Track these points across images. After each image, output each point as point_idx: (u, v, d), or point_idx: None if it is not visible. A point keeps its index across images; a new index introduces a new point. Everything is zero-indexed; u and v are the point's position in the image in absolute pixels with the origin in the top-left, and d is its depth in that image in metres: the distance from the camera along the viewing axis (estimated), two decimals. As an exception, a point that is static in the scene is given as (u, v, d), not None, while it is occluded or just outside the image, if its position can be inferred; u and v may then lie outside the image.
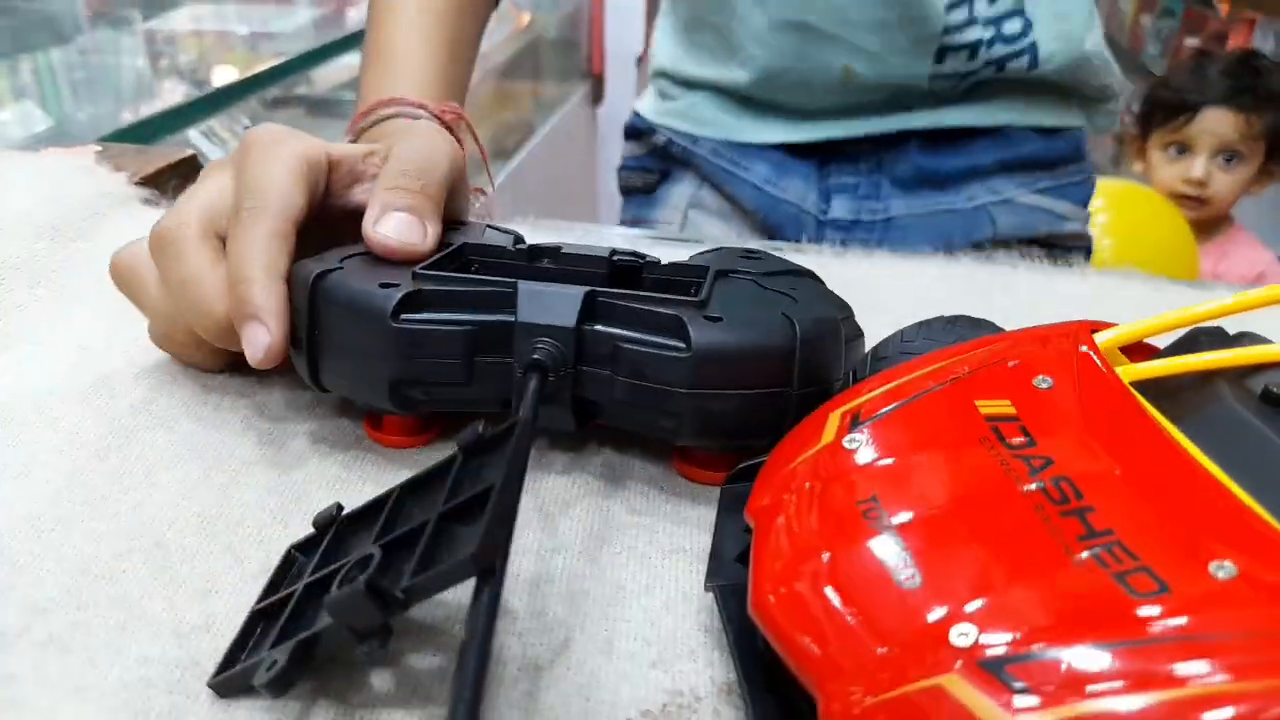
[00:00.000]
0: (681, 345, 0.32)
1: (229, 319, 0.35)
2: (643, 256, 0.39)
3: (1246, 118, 1.61)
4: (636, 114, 0.88)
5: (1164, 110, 1.67)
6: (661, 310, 0.33)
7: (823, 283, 0.40)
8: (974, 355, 0.30)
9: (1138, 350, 0.31)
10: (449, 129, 0.49)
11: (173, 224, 0.37)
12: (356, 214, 0.38)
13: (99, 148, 0.60)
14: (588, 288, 0.34)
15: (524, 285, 0.34)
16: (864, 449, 0.28)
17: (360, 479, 0.35)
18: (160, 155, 0.60)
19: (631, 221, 0.89)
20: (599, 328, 0.33)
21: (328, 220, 0.39)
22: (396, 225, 0.37)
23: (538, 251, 0.39)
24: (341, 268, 0.35)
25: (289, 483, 0.35)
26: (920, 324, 0.34)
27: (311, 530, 0.30)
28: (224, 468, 0.35)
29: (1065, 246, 0.80)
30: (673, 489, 0.35)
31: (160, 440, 0.37)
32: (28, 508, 0.33)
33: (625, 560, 0.32)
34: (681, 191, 0.85)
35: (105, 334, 0.43)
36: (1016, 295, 0.51)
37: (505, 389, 0.34)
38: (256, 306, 0.34)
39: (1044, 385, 0.28)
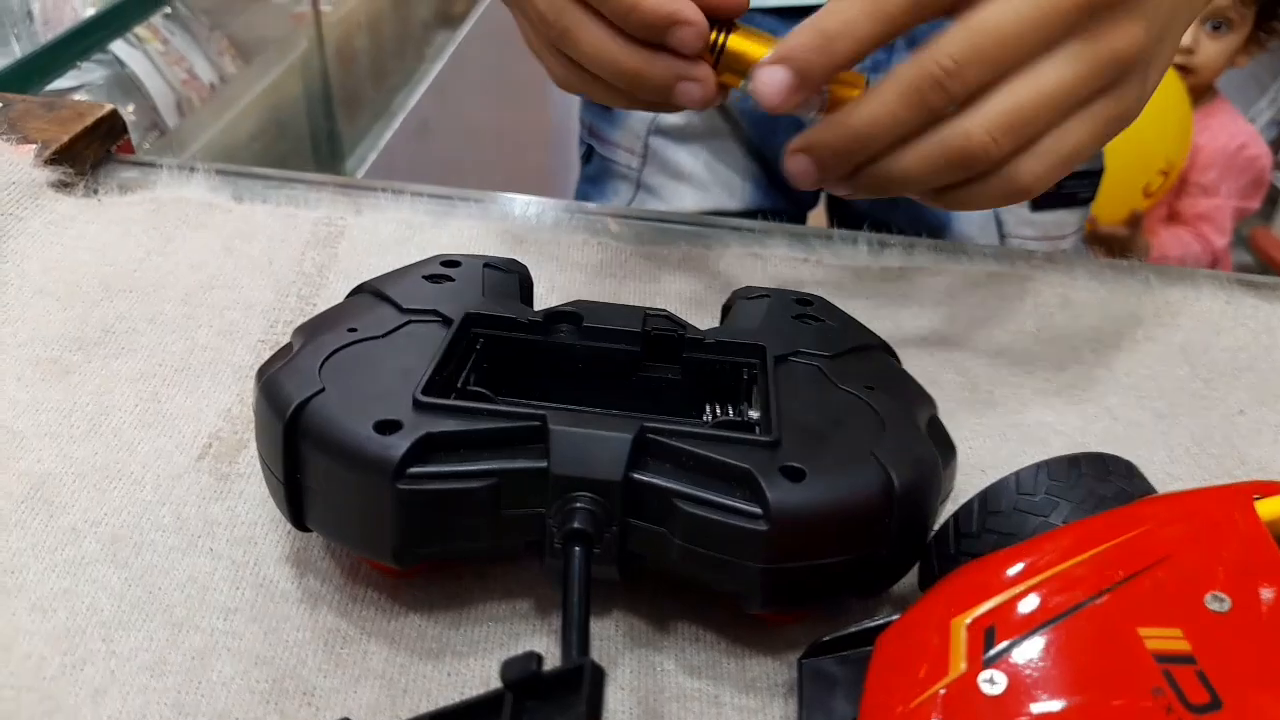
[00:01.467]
0: (756, 510, 0.26)
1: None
2: (680, 326, 0.33)
3: None
4: None
5: None
6: (729, 460, 0.27)
7: (896, 357, 0.34)
8: (1124, 547, 0.25)
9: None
10: None
11: None
12: None
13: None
14: (635, 425, 0.27)
15: (557, 425, 0.27)
16: (1009, 697, 0.23)
17: (361, 632, 0.30)
18: (73, 114, 0.50)
19: (585, 155, 0.78)
20: (652, 479, 0.27)
21: None
22: None
23: (555, 319, 0.33)
24: (323, 389, 0.28)
25: (279, 644, 0.29)
26: (1038, 466, 0.28)
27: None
28: (196, 623, 0.29)
29: None
30: (734, 634, 0.30)
31: (114, 581, 0.30)
32: (-42, 700, 0.27)
33: (690, 753, 0.27)
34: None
35: (33, 404, 0.36)
36: (1075, 310, 0.45)
37: (532, 536, 0.28)
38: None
39: (1219, 607, 0.23)
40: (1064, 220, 0.69)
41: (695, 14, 0.34)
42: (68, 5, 1.12)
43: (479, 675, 0.29)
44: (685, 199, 0.72)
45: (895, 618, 0.27)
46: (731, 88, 0.36)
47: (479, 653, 0.29)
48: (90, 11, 1.04)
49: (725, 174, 0.72)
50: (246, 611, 0.30)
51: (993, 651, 0.23)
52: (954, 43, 0.31)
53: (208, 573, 0.31)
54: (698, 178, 0.72)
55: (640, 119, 0.73)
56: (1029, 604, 0.24)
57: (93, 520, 0.32)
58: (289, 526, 0.32)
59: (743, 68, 0.35)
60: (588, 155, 0.78)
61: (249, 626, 0.29)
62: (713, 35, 0.35)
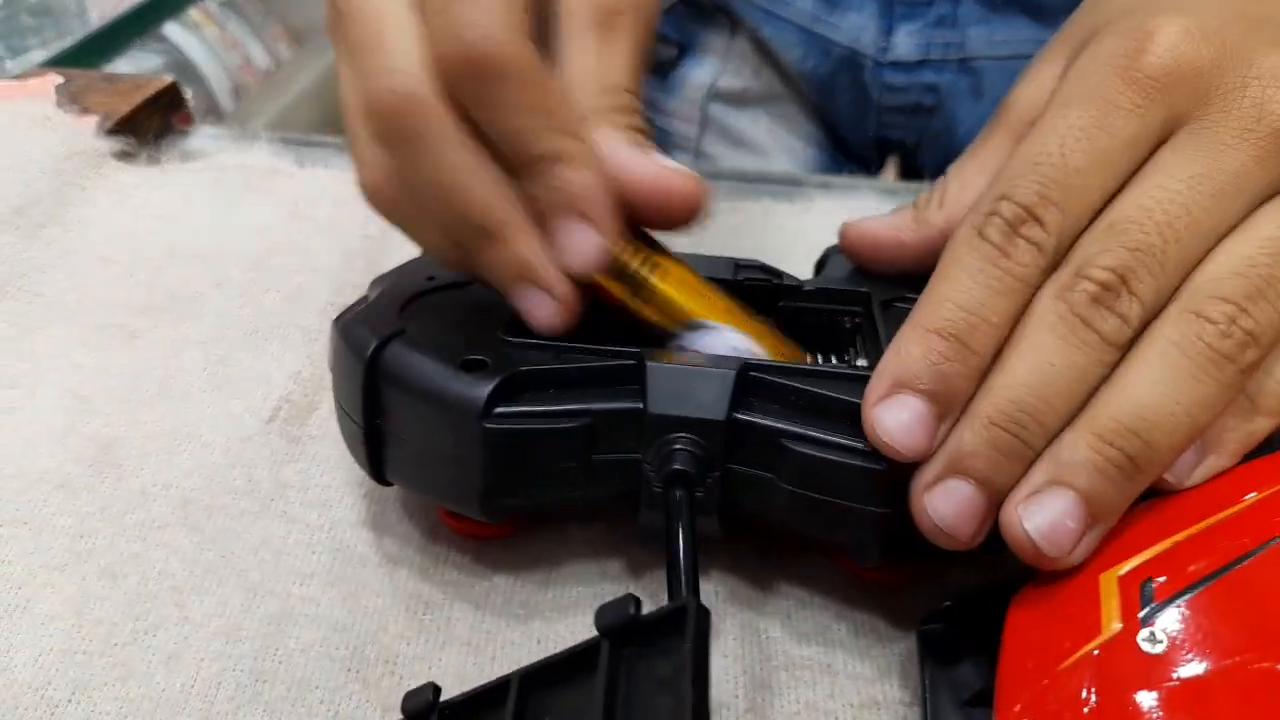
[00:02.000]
0: (874, 449, 0.24)
1: (511, 243, 0.24)
2: (775, 275, 0.31)
3: None
4: None
5: None
6: (843, 396, 0.25)
7: None
8: (1294, 488, 0.22)
9: None
10: None
11: (406, 95, 0.23)
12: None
13: (59, 78, 0.49)
14: (737, 362, 0.25)
15: (654, 362, 0.25)
16: (1174, 654, 0.20)
17: (444, 597, 0.28)
18: (132, 86, 0.49)
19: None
20: (757, 419, 0.25)
21: None
22: (668, 168, 0.25)
23: None
24: (404, 331, 0.26)
25: (358, 610, 0.27)
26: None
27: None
28: (271, 589, 0.28)
29: None
30: (845, 596, 0.28)
31: (186, 545, 0.29)
32: (30, 665, 0.25)
33: (804, 724, 0.25)
34: (702, 75, 0.71)
35: (98, 370, 0.35)
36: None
37: (626, 485, 0.26)
38: (586, 200, 0.23)
39: None
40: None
41: (600, 207, 0.24)
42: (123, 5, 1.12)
43: (568, 639, 0.27)
44: (746, 166, 0.70)
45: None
46: (647, 322, 0.27)
47: (568, 616, 0.27)
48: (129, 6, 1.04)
49: (787, 139, 0.70)
50: (323, 576, 0.28)
51: (1151, 607, 0.21)
52: (1103, 245, 0.23)
53: (281, 536, 0.29)
54: (759, 144, 0.70)
55: (696, 85, 0.70)
56: (1189, 555, 0.22)
57: (163, 483, 0.31)
58: (364, 489, 0.31)
59: (669, 317, 0.27)
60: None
61: (326, 592, 0.28)
62: (632, 259, 0.26)
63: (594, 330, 0.27)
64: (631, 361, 0.25)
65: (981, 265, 0.23)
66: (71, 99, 0.47)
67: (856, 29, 0.64)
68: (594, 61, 0.25)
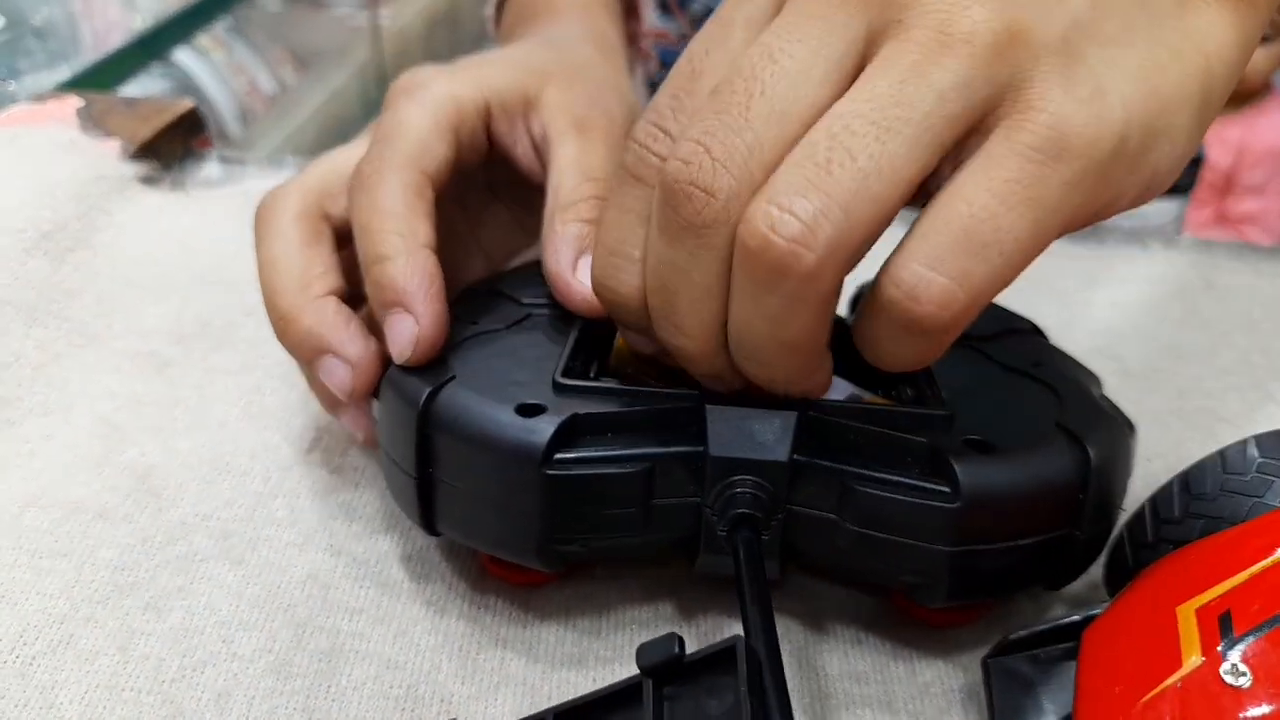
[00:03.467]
0: (945, 489, 0.24)
1: (298, 320, 0.28)
2: None
3: None
4: None
5: None
6: (906, 435, 0.24)
7: (1046, 337, 0.31)
8: (1372, 525, 0.22)
9: None
10: None
11: (274, 193, 0.30)
12: (518, 178, 0.31)
13: (80, 102, 0.49)
14: (796, 404, 0.25)
15: (713, 404, 0.25)
16: (1257, 688, 0.20)
17: (494, 640, 0.27)
18: (153, 110, 0.49)
19: None
20: (820, 461, 0.25)
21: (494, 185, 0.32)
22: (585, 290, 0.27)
23: None
24: (454, 377, 0.26)
25: (410, 647, 0.27)
26: (1245, 443, 0.25)
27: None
28: (320, 625, 0.27)
29: None
30: (899, 635, 0.28)
31: (230, 580, 0.28)
32: (77, 703, 0.25)
33: (867, 763, 0.25)
34: None
35: (133, 398, 0.34)
36: (1220, 293, 0.42)
37: (684, 530, 0.26)
38: (398, 290, 0.26)
39: None
40: (1163, 209, 0.66)
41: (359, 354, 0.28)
42: (115, 31, 1.12)
43: (626, 679, 0.26)
44: None
45: (1098, 610, 0.24)
46: None
47: (624, 658, 0.27)
48: (136, 31, 1.04)
49: None
50: (372, 612, 0.28)
51: (1232, 639, 0.21)
52: (694, 120, 0.22)
53: (328, 570, 0.29)
54: None
55: None
56: (1268, 586, 0.21)
57: (203, 514, 0.30)
58: (408, 522, 0.30)
59: None
60: None
61: (375, 629, 0.27)
62: None
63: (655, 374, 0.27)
64: (690, 404, 0.25)
65: (618, 196, 0.24)
66: (94, 122, 0.47)
67: None
68: (575, 152, 0.29)
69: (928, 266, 0.20)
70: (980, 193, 0.20)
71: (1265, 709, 0.20)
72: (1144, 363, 0.38)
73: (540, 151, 0.31)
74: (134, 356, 0.36)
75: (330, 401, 0.30)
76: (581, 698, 0.22)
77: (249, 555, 0.29)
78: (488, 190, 0.33)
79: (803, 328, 0.21)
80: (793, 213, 0.20)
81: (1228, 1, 0.22)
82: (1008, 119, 0.20)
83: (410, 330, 0.26)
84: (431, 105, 0.29)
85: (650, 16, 0.75)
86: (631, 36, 0.44)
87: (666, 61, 0.73)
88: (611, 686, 0.22)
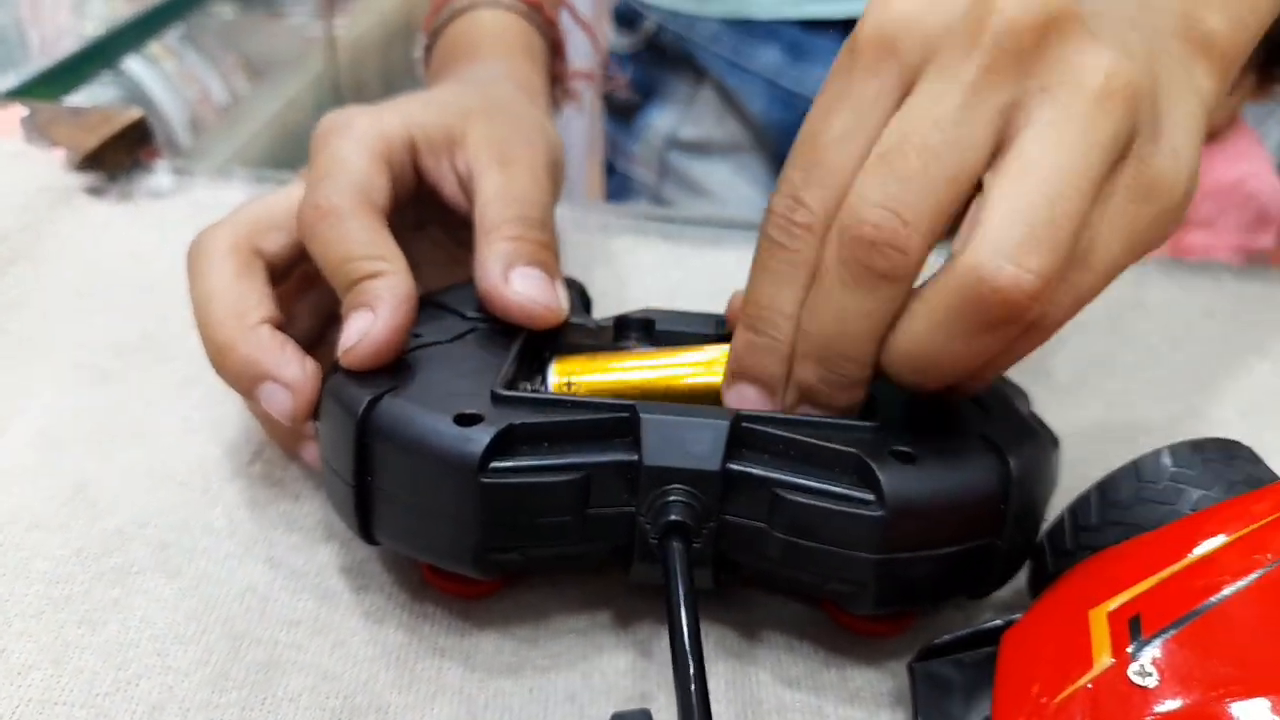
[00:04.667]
0: (869, 498, 0.24)
1: (235, 349, 0.28)
2: None
3: None
4: None
5: None
6: (834, 445, 0.25)
7: None
8: (1267, 530, 0.23)
9: None
10: (536, 8, 0.43)
11: (206, 232, 0.30)
12: (444, 213, 0.32)
13: (24, 110, 0.48)
14: (729, 414, 0.26)
15: (647, 415, 0.26)
16: (1162, 688, 0.21)
17: (433, 649, 0.27)
18: (100, 120, 0.49)
19: (608, 170, 0.77)
20: (751, 469, 0.25)
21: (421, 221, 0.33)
22: (537, 284, 0.29)
23: (627, 325, 0.31)
24: (394, 387, 0.26)
25: (346, 660, 0.27)
26: (1159, 453, 0.26)
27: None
28: (257, 637, 0.27)
29: None
30: (830, 642, 0.28)
31: (167, 592, 0.28)
32: (8, 717, 0.25)
33: (797, 768, 0.25)
34: (663, 123, 0.72)
35: (73, 406, 0.34)
36: (1149, 309, 0.44)
37: (619, 539, 0.26)
38: (372, 294, 0.27)
39: (1388, 593, 0.21)
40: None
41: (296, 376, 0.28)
42: (65, 38, 1.11)
43: (563, 690, 0.27)
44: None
45: (1017, 616, 0.25)
46: None
47: (561, 666, 0.27)
48: (86, 38, 1.03)
49: (745, 189, 0.71)
50: (310, 624, 0.28)
51: (1140, 641, 0.22)
52: (870, 183, 0.24)
53: (266, 582, 0.29)
54: (716, 193, 0.71)
55: (656, 132, 0.72)
56: (1174, 591, 0.22)
57: (140, 523, 0.30)
58: (348, 534, 0.30)
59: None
60: (609, 170, 0.77)
61: (313, 640, 0.27)
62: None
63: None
64: (625, 414, 0.26)
65: (765, 261, 0.26)
66: (38, 132, 0.47)
67: (821, 81, 0.65)
68: (500, 182, 0.30)
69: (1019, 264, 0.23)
70: (1102, 223, 0.24)
71: (1170, 707, 0.20)
72: (1073, 376, 0.39)
73: (466, 186, 0.31)
74: (75, 369, 0.36)
75: (274, 430, 0.31)
76: None
77: (186, 567, 0.29)
78: (416, 225, 0.33)
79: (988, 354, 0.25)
80: (1033, 270, 0.23)
81: (1216, 61, 0.27)
82: (1126, 163, 0.24)
83: (369, 326, 0.27)
84: (362, 140, 0.30)
85: (609, 32, 0.75)
86: (557, 76, 0.47)
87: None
88: None
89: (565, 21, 0.47)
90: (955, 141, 0.23)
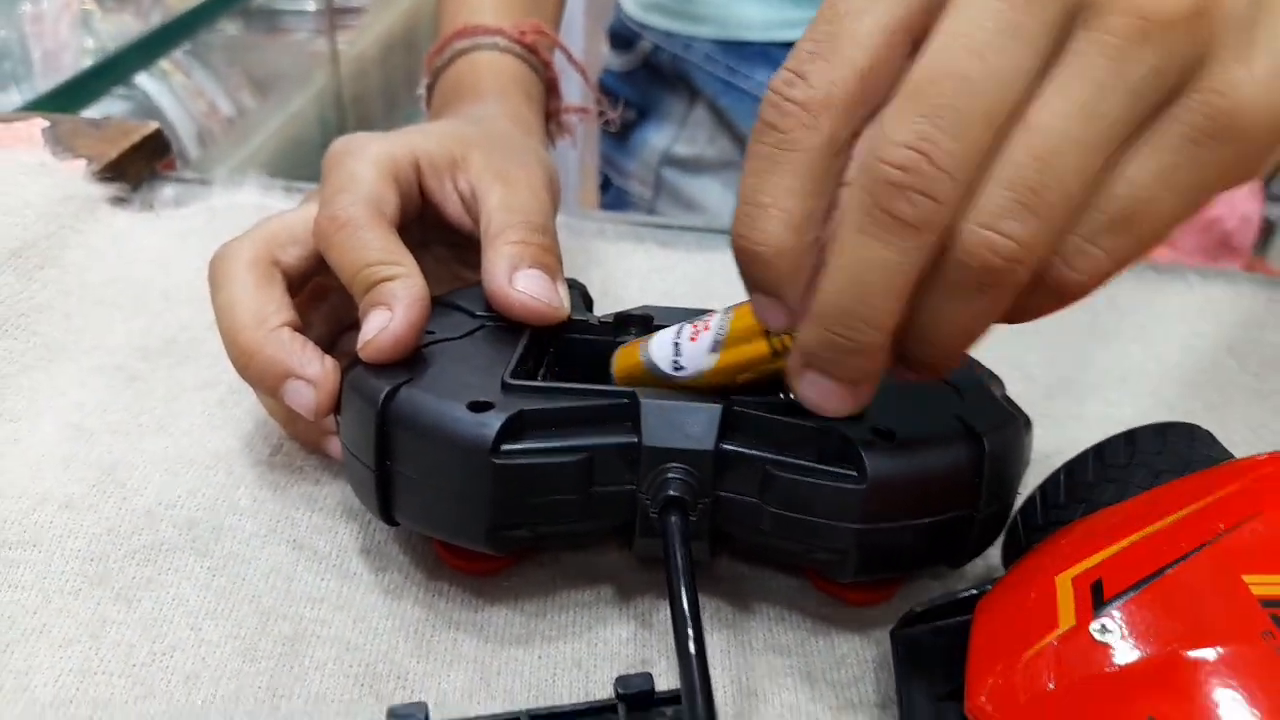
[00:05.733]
0: (852, 473, 0.26)
1: (259, 352, 0.30)
2: None
3: None
4: (620, 11, 0.74)
5: None
6: (819, 426, 0.27)
7: None
8: (1221, 504, 0.25)
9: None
10: (531, 50, 0.46)
11: (228, 246, 0.32)
12: (448, 230, 0.35)
13: (45, 122, 0.51)
14: (722, 399, 0.28)
15: (647, 400, 0.28)
16: (1121, 643, 0.23)
17: (448, 623, 0.29)
18: (119, 131, 0.51)
19: (603, 185, 0.79)
20: (743, 449, 0.27)
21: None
22: (539, 284, 0.31)
23: (626, 321, 0.33)
24: (410, 378, 0.28)
25: (367, 632, 0.29)
26: (1124, 436, 0.28)
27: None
28: (284, 612, 0.29)
29: None
30: (818, 612, 0.30)
31: (197, 570, 0.30)
32: (49, 686, 0.26)
33: (790, 726, 0.27)
34: (658, 140, 0.74)
35: (100, 403, 0.36)
36: (1122, 309, 0.46)
37: (623, 516, 0.28)
38: (389, 293, 0.29)
39: (1324, 556, 0.23)
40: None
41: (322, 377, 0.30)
42: (66, 52, 1.13)
43: (570, 657, 0.29)
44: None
45: (991, 585, 0.27)
46: None
47: (567, 636, 0.29)
48: (88, 62, 1.06)
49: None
50: (333, 600, 0.30)
51: (1103, 603, 0.24)
52: (898, 118, 0.21)
53: (290, 562, 0.31)
54: (709, 208, 0.73)
55: (652, 149, 0.74)
56: (1134, 558, 0.24)
57: (167, 504, 0.32)
58: (367, 516, 0.32)
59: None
60: (605, 184, 0.79)
61: (336, 615, 0.29)
62: None
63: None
64: (626, 400, 0.28)
65: (752, 148, 0.23)
66: (59, 143, 0.49)
67: None
68: (502, 195, 0.33)
69: (1087, 240, 0.21)
70: (1144, 174, 0.21)
71: (1128, 659, 0.22)
72: (1048, 371, 0.41)
73: (468, 205, 0.34)
74: (101, 370, 0.37)
75: (296, 428, 0.34)
76: (558, 706, 0.25)
77: (214, 546, 0.31)
78: (420, 243, 0.35)
79: (991, 320, 0.23)
80: (1011, 236, 0.21)
81: None
82: (1185, 98, 0.21)
83: (387, 322, 0.29)
84: (373, 160, 0.32)
85: (605, 53, 0.77)
86: (552, 113, 0.49)
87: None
88: (589, 702, 0.25)
89: (559, 61, 0.49)
90: (995, 72, 0.20)
